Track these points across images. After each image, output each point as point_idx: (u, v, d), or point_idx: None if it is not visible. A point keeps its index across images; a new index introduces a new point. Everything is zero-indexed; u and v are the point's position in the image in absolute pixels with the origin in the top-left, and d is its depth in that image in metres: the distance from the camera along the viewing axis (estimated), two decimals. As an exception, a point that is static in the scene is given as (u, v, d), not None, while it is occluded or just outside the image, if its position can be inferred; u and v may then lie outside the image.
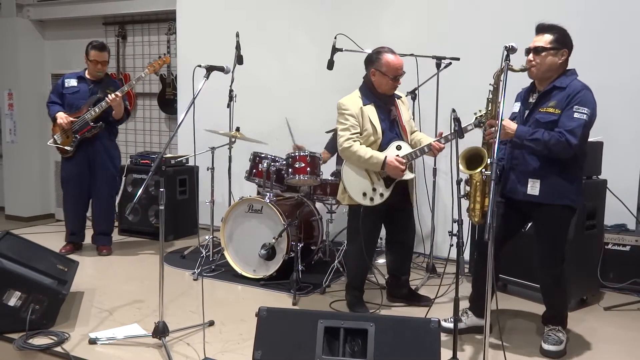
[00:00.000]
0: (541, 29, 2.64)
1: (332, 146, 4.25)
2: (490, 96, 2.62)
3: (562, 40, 2.61)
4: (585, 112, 2.52)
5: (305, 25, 4.92)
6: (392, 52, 3.15)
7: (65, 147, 4.18)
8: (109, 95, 4.06)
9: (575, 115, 2.51)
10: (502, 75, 2.42)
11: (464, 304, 3.02)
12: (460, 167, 2.59)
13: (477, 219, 2.66)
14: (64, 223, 4.46)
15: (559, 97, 2.58)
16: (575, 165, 2.65)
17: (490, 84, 2.60)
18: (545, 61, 2.60)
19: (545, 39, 2.60)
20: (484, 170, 2.55)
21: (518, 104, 2.79)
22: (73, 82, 4.25)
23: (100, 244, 4.45)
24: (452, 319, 2.87)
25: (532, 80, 2.75)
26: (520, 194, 2.68)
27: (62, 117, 4.13)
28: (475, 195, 2.63)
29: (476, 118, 2.98)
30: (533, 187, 2.63)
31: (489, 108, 2.64)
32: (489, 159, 2.49)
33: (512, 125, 2.58)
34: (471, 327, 2.94)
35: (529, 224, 2.98)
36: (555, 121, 2.56)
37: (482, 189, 2.61)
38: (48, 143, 4.31)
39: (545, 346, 2.69)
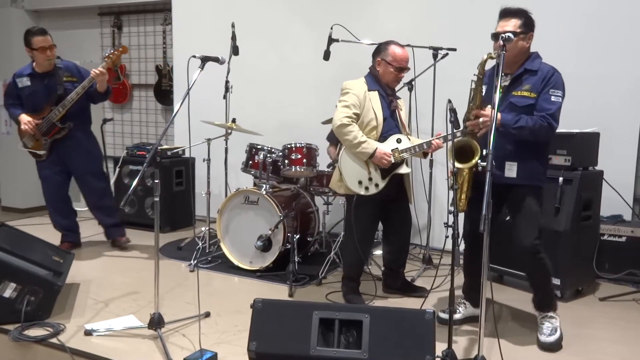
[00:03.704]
0: (508, 13, 2.65)
1: (336, 139, 4.23)
2: (474, 86, 2.62)
3: (529, 24, 2.64)
4: (560, 95, 2.58)
5: (301, 16, 4.89)
6: (400, 45, 3.21)
7: (38, 152, 3.95)
8: (93, 70, 3.76)
9: (552, 98, 2.57)
10: (495, 63, 2.42)
11: (460, 295, 3.03)
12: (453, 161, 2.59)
13: (462, 207, 2.71)
14: (52, 224, 4.32)
15: (532, 81, 2.61)
16: (546, 147, 2.75)
17: (474, 74, 2.60)
18: (516, 46, 2.59)
19: (514, 24, 2.61)
20: (479, 161, 2.53)
21: (484, 88, 2.77)
22: (26, 82, 3.91)
23: (118, 235, 4.37)
24: (447, 311, 2.90)
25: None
26: (497, 178, 2.64)
27: (25, 121, 3.86)
28: (462, 185, 2.67)
29: None
30: (510, 170, 2.67)
31: (473, 98, 2.63)
32: (484, 151, 2.48)
33: (497, 115, 2.55)
34: (468, 317, 2.95)
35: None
36: (532, 105, 2.59)
37: (470, 179, 2.67)
38: (18, 147, 4.05)
39: (542, 338, 2.68)
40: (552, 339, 2.68)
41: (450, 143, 2.57)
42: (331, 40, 3.90)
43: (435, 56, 3.83)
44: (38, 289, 2.84)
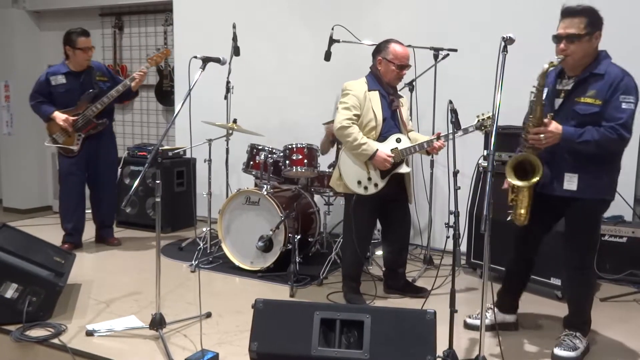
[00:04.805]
0: (570, 12, 2.41)
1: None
2: (533, 98, 2.43)
3: (595, 23, 2.40)
4: (632, 100, 2.36)
5: (302, 17, 4.89)
6: (400, 43, 3.23)
7: (71, 147, 4.07)
8: (135, 74, 4.03)
9: (623, 105, 2.34)
10: (501, 67, 2.33)
11: (460, 296, 3.04)
12: (511, 179, 2.46)
13: (522, 222, 2.54)
14: (60, 221, 4.34)
15: (598, 86, 2.39)
16: (616, 157, 2.51)
17: (533, 86, 2.45)
18: (580, 49, 2.39)
19: (579, 25, 2.37)
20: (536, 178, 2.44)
21: (544, 90, 2.55)
22: (61, 79, 4.05)
23: (110, 236, 4.48)
24: (477, 316, 2.87)
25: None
26: (556, 190, 2.50)
27: (61, 117, 3.99)
28: (522, 200, 2.50)
29: (478, 120, 2.97)
30: (570, 182, 2.47)
31: (533, 111, 2.44)
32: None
33: (558, 129, 2.39)
34: (497, 324, 2.85)
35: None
36: (597, 113, 2.38)
37: (531, 193, 2.49)
38: (46, 143, 4.14)
39: (556, 350, 2.54)
40: (565, 353, 2.51)
41: (454, 142, 2.55)
42: (332, 41, 3.91)
43: (436, 57, 3.83)
44: (39, 290, 2.85)
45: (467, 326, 2.89)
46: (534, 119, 2.44)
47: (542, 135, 2.40)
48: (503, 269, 3.55)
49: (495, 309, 2.88)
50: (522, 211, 2.51)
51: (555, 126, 2.40)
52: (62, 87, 4.06)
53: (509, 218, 2.58)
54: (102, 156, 4.26)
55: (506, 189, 2.60)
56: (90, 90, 4.08)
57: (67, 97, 4.07)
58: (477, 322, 2.85)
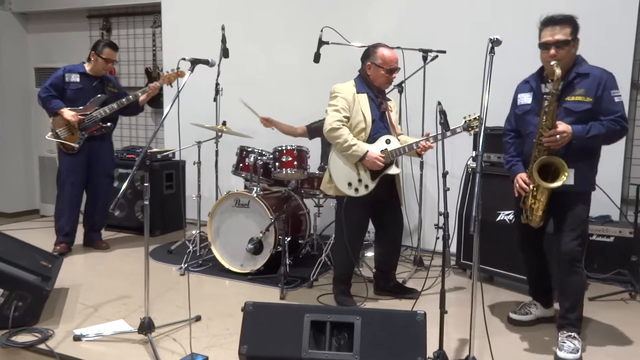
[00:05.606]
0: (557, 21, 2.57)
1: (313, 130, 4.32)
2: (548, 103, 2.52)
3: (577, 30, 2.60)
4: (620, 93, 2.58)
5: (291, 18, 4.89)
6: (387, 47, 3.25)
7: (72, 144, 4.14)
8: (149, 86, 4.20)
9: (616, 99, 2.55)
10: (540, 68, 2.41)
11: (450, 296, 3.05)
12: (539, 181, 2.52)
13: (537, 223, 2.66)
14: (55, 219, 4.33)
15: (586, 85, 2.56)
16: (599, 152, 2.70)
17: (549, 91, 2.53)
18: (568, 54, 2.57)
19: (566, 32, 2.55)
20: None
21: (526, 95, 2.73)
22: (75, 78, 4.20)
23: (98, 240, 4.49)
24: (521, 311, 3.00)
25: (538, 70, 2.72)
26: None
27: (70, 114, 4.07)
28: (543, 202, 2.59)
29: (465, 122, 3.00)
30: (568, 177, 2.56)
31: (547, 114, 2.53)
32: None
33: (569, 128, 2.51)
34: (540, 318, 2.98)
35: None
36: (589, 110, 2.54)
37: (549, 195, 2.60)
38: (47, 137, 4.21)
39: (559, 354, 2.58)
40: (572, 356, 2.56)
41: (443, 144, 2.57)
42: (321, 43, 3.91)
43: (425, 58, 3.85)
44: (26, 294, 2.81)
45: (511, 321, 2.99)
46: (548, 122, 2.53)
47: (558, 136, 2.50)
48: (492, 269, 3.60)
49: (539, 304, 3.00)
50: (540, 213, 2.63)
51: (565, 126, 2.52)
52: (75, 85, 4.19)
53: (523, 221, 2.70)
54: (103, 159, 4.32)
55: (522, 192, 2.68)
56: (101, 95, 4.19)
57: (77, 97, 4.18)
58: (522, 317, 2.98)
